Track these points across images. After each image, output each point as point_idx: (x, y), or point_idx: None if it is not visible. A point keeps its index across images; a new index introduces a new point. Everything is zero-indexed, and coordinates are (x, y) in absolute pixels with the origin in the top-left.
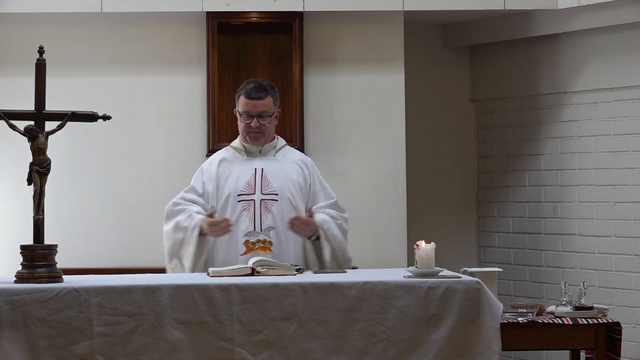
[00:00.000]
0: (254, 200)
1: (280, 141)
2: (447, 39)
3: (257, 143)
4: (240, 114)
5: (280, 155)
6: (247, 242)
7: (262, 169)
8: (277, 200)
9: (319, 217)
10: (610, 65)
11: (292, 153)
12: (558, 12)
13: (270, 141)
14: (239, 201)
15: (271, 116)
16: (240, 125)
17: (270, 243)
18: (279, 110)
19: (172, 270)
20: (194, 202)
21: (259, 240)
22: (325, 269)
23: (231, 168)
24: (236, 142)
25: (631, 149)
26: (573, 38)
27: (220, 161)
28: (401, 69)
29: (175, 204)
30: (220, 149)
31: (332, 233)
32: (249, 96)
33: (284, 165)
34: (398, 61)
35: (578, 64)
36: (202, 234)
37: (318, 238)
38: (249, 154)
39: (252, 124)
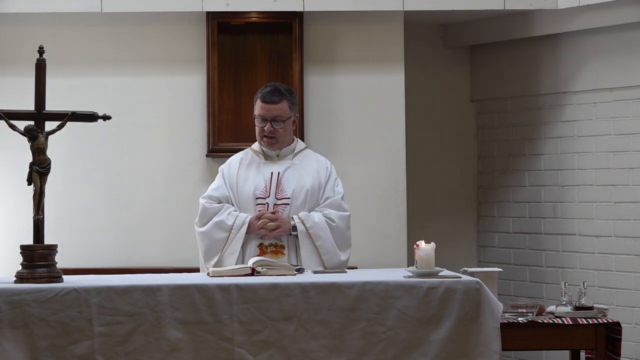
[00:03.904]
0: (267, 204)
1: (300, 144)
2: (447, 39)
3: (272, 148)
4: (255, 117)
5: (299, 159)
6: (260, 245)
7: (279, 173)
8: (288, 205)
9: (304, 213)
10: (610, 65)
11: (311, 157)
12: (558, 12)
13: (288, 145)
14: (256, 204)
15: (285, 121)
16: (256, 129)
17: (283, 247)
18: (297, 115)
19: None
20: (220, 201)
21: (271, 244)
22: (304, 267)
23: (249, 171)
24: (255, 145)
25: (631, 149)
26: (573, 38)
27: (239, 164)
28: (401, 69)
29: (210, 203)
30: (220, 149)
31: (316, 233)
32: (263, 100)
33: (301, 170)
34: (398, 61)
35: (578, 64)
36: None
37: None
38: (267, 157)
39: (265, 128)
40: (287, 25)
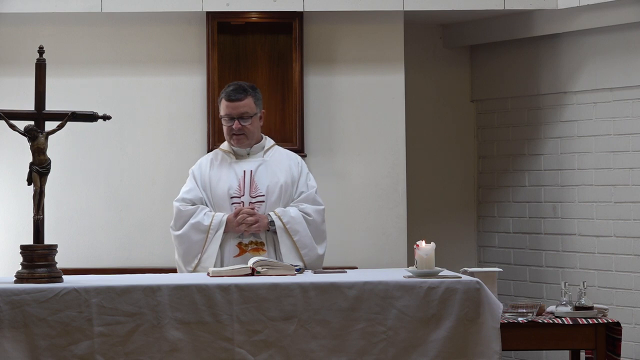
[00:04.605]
0: (242, 202)
1: (269, 141)
2: (447, 39)
3: (242, 145)
4: (222, 118)
5: (269, 156)
6: (239, 243)
7: (251, 171)
8: (263, 202)
9: (280, 209)
10: (610, 65)
11: (281, 153)
12: (558, 12)
13: (257, 142)
14: (232, 203)
15: (252, 117)
16: (224, 129)
17: (262, 244)
18: (263, 110)
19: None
20: (194, 203)
21: (251, 242)
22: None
23: (221, 171)
24: (225, 145)
25: (631, 149)
26: (573, 38)
27: (210, 165)
28: (401, 69)
29: (184, 206)
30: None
31: (293, 228)
32: (228, 98)
33: (273, 166)
34: (398, 61)
35: (578, 64)
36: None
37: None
38: (237, 156)
39: (233, 126)
40: (287, 25)
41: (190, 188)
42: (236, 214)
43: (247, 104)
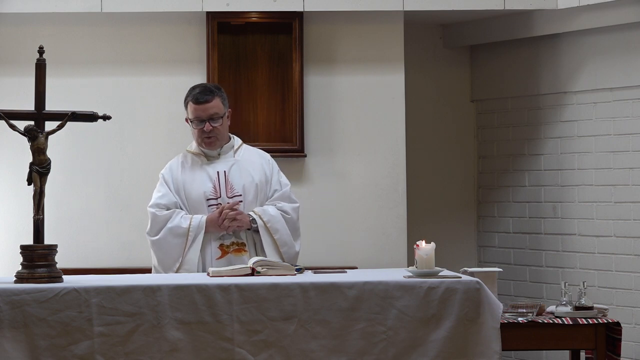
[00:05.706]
0: (220, 204)
1: (237, 140)
2: (447, 39)
3: (213, 147)
4: (191, 121)
5: (240, 155)
6: (221, 245)
7: (225, 171)
8: (241, 202)
9: (259, 208)
10: (610, 65)
11: (251, 151)
12: (558, 12)
13: (227, 142)
14: (208, 206)
15: (222, 117)
16: (194, 132)
17: (244, 244)
18: (230, 110)
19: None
20: (169, 208)
21: (233, 243)
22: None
23: (194, 174)
24: (193, 147)
25: (631, 149)
26: (573, 38)
27: (182, 168)
28: (401, 69)
29: (160, 211)
30: None
31: (273, 226)
32: (196, 101)
33: (245, 164)
34: (398, 61)
35: (578, 64)
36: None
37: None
38: (208, 157)
39: (204, 129)
40: (287, 25)
41: (164, 193)
42: (220, 213)
43: (216, 104)
